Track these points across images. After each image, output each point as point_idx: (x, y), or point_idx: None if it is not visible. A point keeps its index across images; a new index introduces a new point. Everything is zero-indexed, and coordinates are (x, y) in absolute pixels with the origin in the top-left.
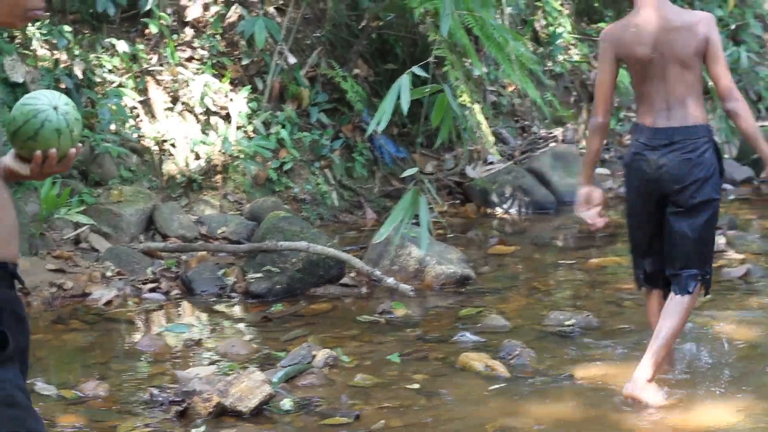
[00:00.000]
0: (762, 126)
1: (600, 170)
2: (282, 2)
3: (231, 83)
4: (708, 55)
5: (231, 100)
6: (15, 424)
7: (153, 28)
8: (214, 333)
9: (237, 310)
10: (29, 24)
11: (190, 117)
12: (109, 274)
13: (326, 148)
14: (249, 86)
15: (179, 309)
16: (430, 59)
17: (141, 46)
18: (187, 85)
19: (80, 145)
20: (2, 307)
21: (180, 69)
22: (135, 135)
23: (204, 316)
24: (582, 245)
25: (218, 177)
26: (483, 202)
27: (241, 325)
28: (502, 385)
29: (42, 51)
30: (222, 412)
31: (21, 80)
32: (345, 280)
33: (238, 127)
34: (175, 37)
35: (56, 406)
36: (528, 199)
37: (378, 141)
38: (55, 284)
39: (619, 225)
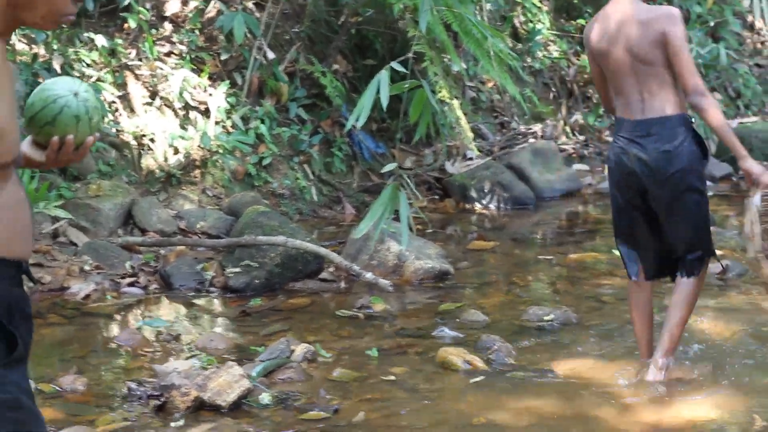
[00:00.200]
0: (741, 123)
1: (579, 166)
2: None
3: (210, 78)
4: (668, 51)
5: (210, 95)
6: (19, 427)
7: (132, 23)
8: (192, 327)
9: (215, 305)
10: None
11: (169, 112)
12: (87, 268)
13: (305, 143)
14: (228, 81)
15: (158, 303)
16: (409, 55)
17: (120, 41)
18: (166, 80)
19: (97, 134)
20: (14, 307)
21: (159, 64)
22: (114, 129)
23: (182, 311)
24: (561, 241)
25: (197, 172)
26: (462, 198)
27: (220, 320)
28: (481, 379)
29: (21, 45)
30: (200, 407)
31: None
32: (324, 275)
33: (217, 122)
34: (153, 31)
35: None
36: (507, 195)
37: (357, 136)
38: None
39: (598, 221)
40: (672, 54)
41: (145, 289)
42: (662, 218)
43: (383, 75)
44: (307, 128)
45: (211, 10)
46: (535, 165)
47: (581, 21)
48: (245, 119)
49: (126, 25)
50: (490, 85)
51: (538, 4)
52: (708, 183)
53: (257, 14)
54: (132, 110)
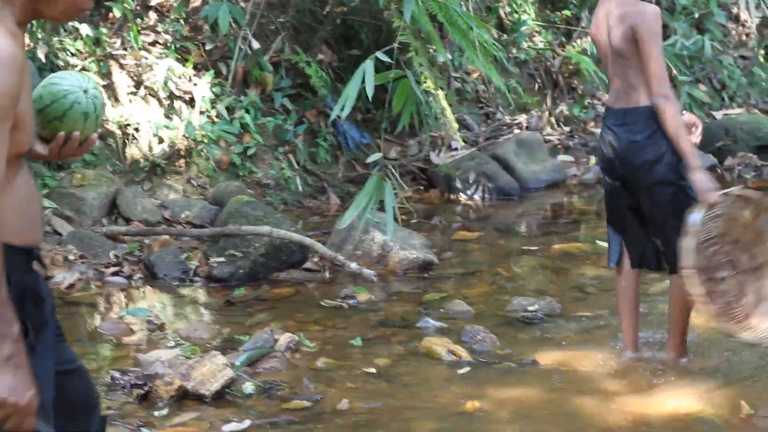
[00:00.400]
0: (726, 114)
1: (564, 157)
2: None
3: (195, 68)
4: (639, 48)
5: (195, 84)
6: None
7: (116, 12)
8: (176, 317)
9: (200, 294)
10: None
11: (154, 101)
12: (71, 257)
13: (290, 133)
14: (213, 71)
15: (142, 293)
16: (395, 45)
17: (104, 30)
18: (151, 70)
19: (101, 130)
20: (26, 294)
21: (143, 53)
22: None
23: (166, 300)
24: (545, 231)
25: (182, 161)
26: (447, 188)
27: (204, 309)
28: (465, 369)
29: None
30: (184, 396)
31: None
32: (308, 264)
33: (202, 112)
34: (138, 21)
35: None
36: (492, 186)
37: (342, 126)
38: None
39: (582, 212)
40: (641, 51)
41: (129, 279)
42: (643, 208)
43: (368, 65)
44: (292, 118)
45: (195, 0)
46: (520, 156)
47: (566, 12)
48: (230, 109)
49: (111, 15)
50: (475, 75)
51: None
52: None
53: (242, 4)
54: (117, 100)
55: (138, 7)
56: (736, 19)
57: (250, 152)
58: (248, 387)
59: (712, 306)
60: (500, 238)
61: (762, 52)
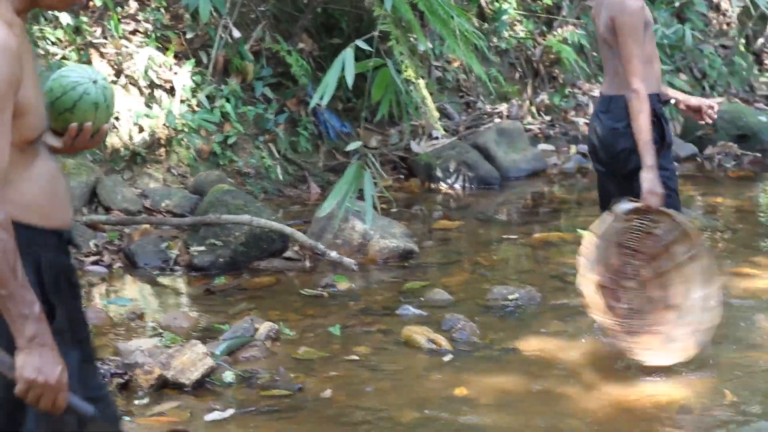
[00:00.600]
0: None
1: (544, 146)
2: None
3: (175, 57)
4: (617, 39)
5: (175, 73)
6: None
7: (97, 1)
8: (156, 306)
9: (180, 283)
10: None
11: (134, 90)
12: None
13: (271, 122)
14: (193, 60)
15: (122, 282)
16: (375, 33)
17: (85, 19)
18: (131, 58)
19: (112, 121)
20: (61, 276)
21: (124, 42)
22: None
23: (147, 289)
24: (526, 220)
25: (162, 150)
26: (427, 177)
27: (184, 298)
28: (445, 357)
29: None
30: (164, 385)
31: None
32: (288, 253)
33: (182, 101)
34: (119, 9)
35: None
36: (472, 175)
37: (322, 115)
38: None
39: (563, 201)
40: (618, 42)
41: (109, 268)
42: (624, 195)
43: (348, 53)
44: (273, 107)
45: None
46: (500, 145)
47: (547, 1)
48: (210, 98)
49: (91, 3)
50: (456, 64)
51: None
52: (674, 163)
53: None
54: None
55: None
56: (716, 8)
57: (230, 141)
58: (228, 376)
59: (600, 301)
60: (480, 227)
61: (742, 41)
